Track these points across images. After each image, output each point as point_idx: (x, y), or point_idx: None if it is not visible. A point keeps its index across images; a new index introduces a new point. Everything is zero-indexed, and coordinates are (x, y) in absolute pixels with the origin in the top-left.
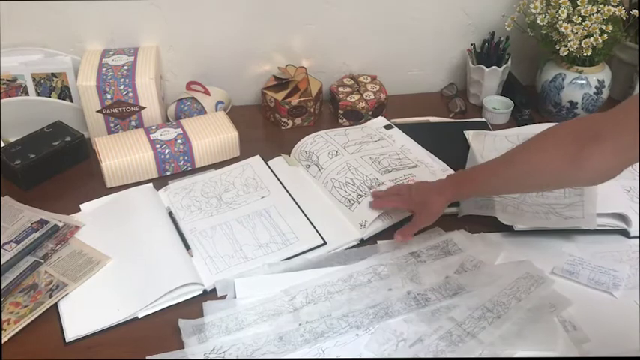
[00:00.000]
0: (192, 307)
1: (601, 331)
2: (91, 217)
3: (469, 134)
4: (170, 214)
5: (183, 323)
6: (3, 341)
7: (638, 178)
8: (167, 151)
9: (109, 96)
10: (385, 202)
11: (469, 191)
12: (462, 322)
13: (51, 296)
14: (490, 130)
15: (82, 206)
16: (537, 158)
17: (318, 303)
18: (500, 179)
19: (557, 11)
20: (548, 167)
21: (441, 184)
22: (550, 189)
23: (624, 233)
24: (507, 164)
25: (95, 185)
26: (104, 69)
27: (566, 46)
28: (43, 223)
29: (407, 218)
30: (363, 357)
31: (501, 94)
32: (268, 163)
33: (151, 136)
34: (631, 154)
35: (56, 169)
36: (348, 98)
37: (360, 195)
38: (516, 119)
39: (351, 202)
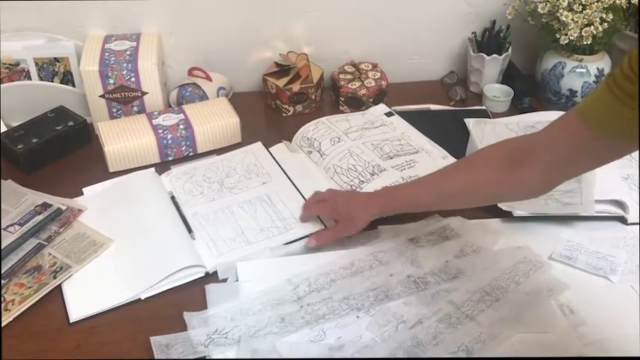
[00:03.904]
0: (195, 289)
1: (598, 315)
2: (94, 201)
3: (469, 122)
4: (172, 198)
5: (188, 316)
6: (8, 321)
7: (636, 165)
8: (169, 136)
9: (111, 81)
10: (311, 210)
11: (397, 206)
12: (461, 305)
13: (55, 278)
14: (490, 118)
15: (84, 190)
16: (470, 177)
17: (321, 291)
18: (432, 196)
19: (558, 0)
20: (480, 186)
21: (368, 198)
22: (479, 205)
23: (622, 220)
24: (440, 182)
25: (98, 169)
26: (107, 54)
27: (566, 35)
28: (46, 206)
29: None
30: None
31: (501, 83)
32: (270, 149)
33: (153, 121)
34: (557, 174)
35: (59, 153)
36: (349, 85)
37: (362, 181)
38: (516, 107)
39: (353, 187)
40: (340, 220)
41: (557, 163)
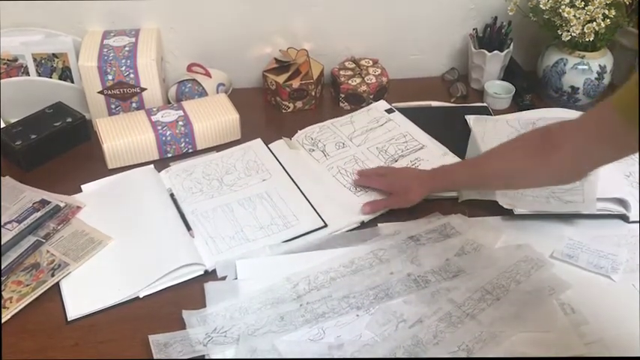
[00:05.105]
0: (194, 287)
1: (599, 313)
2: (93, 198)
3: (470, 119)
4: (171, 195)
5: (187, 315)
6: (6, 319)
7: (637, 163)
8: (168, 132)
9: (110, 77)
10: (369, 181)
11: (447, 184)
12: (461, 304)
13: (53, 275)
14: (491, 114)
15: (83, 187)
16: (509, 160)
17: (321, 289)
18: (476, 176)
19: None
20: (518, 169)
21: (423, 174)
22: (518, 188)
23: (624, 218)
24: (483, 163)
25: (96, 166)
26: (105, 50)
27: (568, 31)
28: (44, 203)
29: None
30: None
31: (503, 79)
32: (269, 146)
33: (152, 117)
34: (586, 161)
35: (57, 149)
36: (350, 82)
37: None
38: (517, 104)
39: (357, 189)
40: (395, 193)
41: (587, 150)
